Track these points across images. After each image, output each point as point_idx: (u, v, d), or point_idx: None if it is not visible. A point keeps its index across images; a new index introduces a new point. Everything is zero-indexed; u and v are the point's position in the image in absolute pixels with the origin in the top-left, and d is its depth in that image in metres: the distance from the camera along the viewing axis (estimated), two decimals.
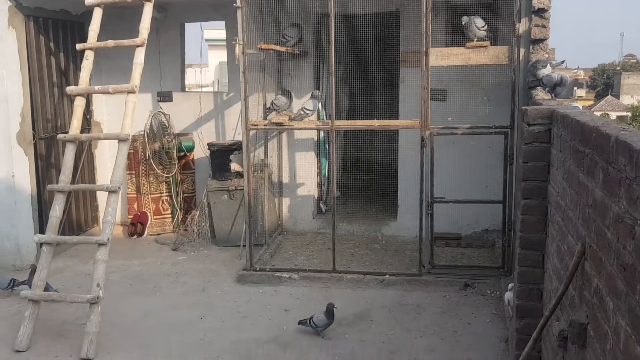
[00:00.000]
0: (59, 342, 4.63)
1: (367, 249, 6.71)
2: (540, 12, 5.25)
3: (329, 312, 4.53)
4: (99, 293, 4.45)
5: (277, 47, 6.34)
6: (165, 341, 4.62)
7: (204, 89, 11.92)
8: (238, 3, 5.58)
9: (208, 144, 7.20)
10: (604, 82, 48.02)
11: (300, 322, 4.68)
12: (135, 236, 7.56)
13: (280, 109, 6.34)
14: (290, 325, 4.90)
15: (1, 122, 6.08)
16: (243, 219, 6.38)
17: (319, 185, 7.65)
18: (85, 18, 6.82)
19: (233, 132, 7.55)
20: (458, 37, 5.81)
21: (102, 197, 7.65)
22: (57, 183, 4.94)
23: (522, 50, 5.35)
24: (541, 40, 5.24)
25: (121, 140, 4.88)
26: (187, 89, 8.60)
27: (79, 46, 5.25)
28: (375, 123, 5.72)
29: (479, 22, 5.45)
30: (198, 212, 7.18)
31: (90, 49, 5.16)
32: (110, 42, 5.21)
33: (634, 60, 58.49)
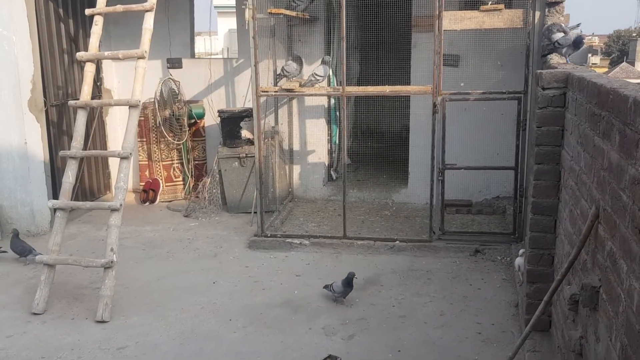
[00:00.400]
0: (75, 305, 4.72)
1: (378, 216, 6.73)
2: None
3: (348, 280, 4.55)
4: (112, 257, 4.51)
5: (287, 12, 6.25)
6: (179, 304, 4.70)
7: (213, 57, 11.83)
8: None
9: (218, 111, 7.18)
10: (619, 49, 47.05)
11: (324, 287, 4.72)
12: (147, 203, 7.62)
13: (291, 75, 6.28)
14: (301, 289, 4.96)
15: (12, 88, 6.08)
16: (254, 185, 6.41)
17: (330, 153, 7.64)
18: None
19: (243, 99, 7.52)
20: (471, 0, 5.70)
21: (114, 164, 7.70)
22: (69, 150, 4.96)
23: (537, 14, 5.24)
24: (557, 3, 5.13)
25: (132, 106, 4.88)
26: (196, 57, 8.54)
27: (87, 11, 5.20)
28: (386, 89, 5.66)
29: None
30: (209, 179, 7.21)
31: (99, 14, 5.12)
32: (119, 7, 5.15)
33: None
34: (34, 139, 6.28)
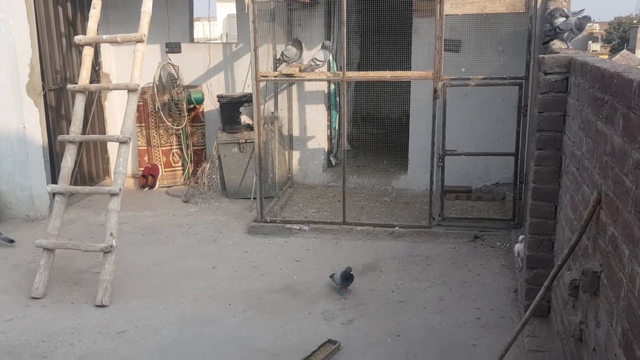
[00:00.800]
0: (74, 289, 4.73)
1: (377, 202, 6.72)
2: None
3: (345, 275, 4.52)
4: (112, 242, 4.51)
5: None
6: (178, 289, 4.70)
7: (212, 42, 11.73)
8: None
9: (217, 96, 7.14)
10: (620, 36, 46.78)
11: (330, 277, 4.68)
12: (146, 188, 7.61)
13: (291, 60, 6.24)
14: (300, 275, 4.96)
15: (10, 72, 6.04)
16: (253, 171, 6.39)
17: (329, 139, 7.62)
18: None
19: (243, 84, 7.48)
20: None
21: (112, 149, 7.68)
22: (67, 134, 4.93)
23: None
24: None
25: (130, 90, 4.85)
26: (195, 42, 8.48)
27: None
28: (387, 74, 5.62)
29: None
30: (208, 164, 7.19)
31: None
32: None
33: None
34: (32, 124, 6.25)
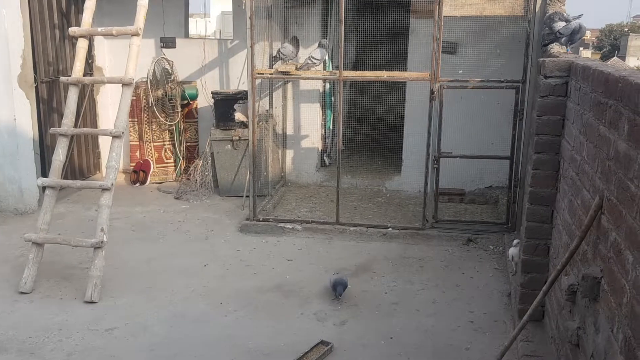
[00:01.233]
0: (63, 285, 4.65)
1: (371, 203, 6.69)
2: None
3: (333, 287, 4.46)
4: (103, 238, 4.44)
5: None
6: (169, 286, 4.64)
7: (207, 38, 11.65)
8: None
9: (212, 93, 7.08)
10: (611, 44, 47.18)
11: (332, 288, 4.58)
12: (137, 184, 7.53)
13: (287, 58, 6.19)
14: (293, 274, 4.92)
15: (2, 63, 5.94)
16: (246, 169, 6.34)
17: (324, 138, 7.58)
18: None
19: (237, 81, 7.42)
20: None
21: (104, 144, 7.60)
22: (59, 127, 4.85)
23: (538, 2, 5.19)
24: None
25: (125, 84, 4.78)
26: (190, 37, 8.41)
27: None
28: (384, 74, 5.59)
29: None
30: (201, 161, 7.13)
31: None
32: None
33: None
34: (23, 116, 6.15)
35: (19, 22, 6.02)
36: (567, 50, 4.75)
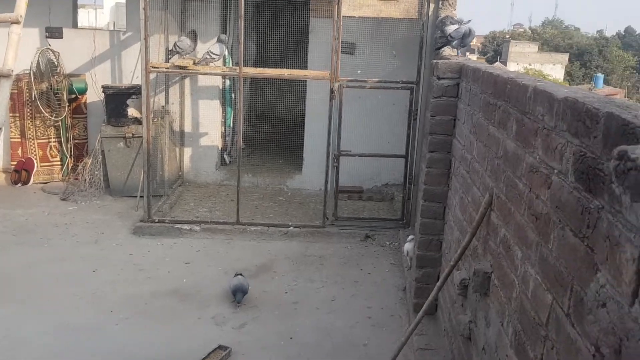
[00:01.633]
0: None
1: (272, 202, 6.63)
2: None
3: (233, 293, 4.34)
4: None
5: None
6: (54, 295, 4.30)
7: (98, 29, 11.01)
8: None
9: (103, 87, 6.69)
10: (494, 49, 50.34)
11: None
12: (19, 184, 6.96)
13: (184, 52, 5.97)
14: (190, 277, 4.74)
15: None
16: (140, 168, 6.06)
17: (224, 136, 7.40)
18: None
19: (131, 75, 7.06)
20: None
21: None
22: None
23: (432, 6, 5.37)
24: None
25: (3, 75, 4.34)
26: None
27: None
28: (285, 72, 5.55)
29: None
30: (91, 159, 6.71)
31: None
32: None
33: (522, 30, 62.00)
34: None
35: None
36: (457, 54, 4.95)
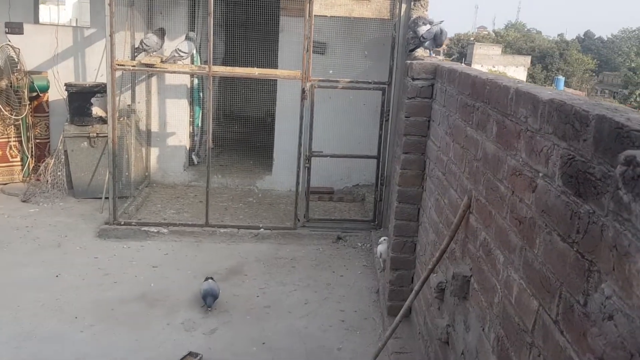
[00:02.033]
0: None
1: (242, 203, 6.52)
2: None
3: (203, 297, 4.22)
4: None
5: None
6: (14, 302, 4.12)
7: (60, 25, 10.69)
8: None
9: (66, 85, 6.46)
10: (459, 51, 51.09)
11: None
12: None
13: (151, 50, 5.81)
14: (158, 282, 4.61)
15: None
16: (105, 168, 5.88)
17: (192, 136, 7.25)
18: None
19: (95, 73, 6.85)
20: None
21: None
22: None
23: (404, 6, 5.35)
24: None
25: None
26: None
27: None
28: (255, 71, 5.45)
29: None
30: (53, 160, 6.48)
31: None
32: None
33: (486, 32, 63.19)
34: None
35: None
36: (430, 54, 4.94)
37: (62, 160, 6.47)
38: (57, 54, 6.91)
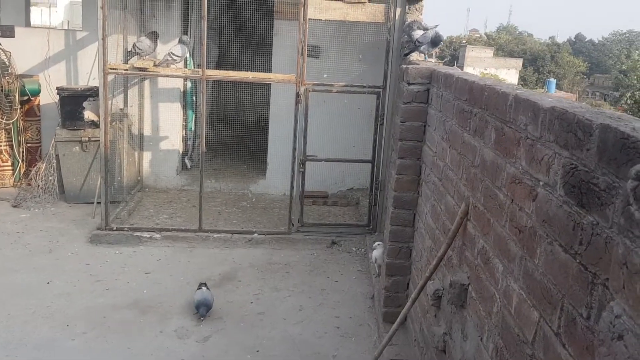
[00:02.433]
0: None
1: (235, 207, 6.47)
2: None
3: (196, 307, 4.17)
4: None
5: None
6: (4, 309, 4.06)
7: (52, 28, 10.63)
8: None
9: (57, 89, 6.40)
10: (451, 54, 51.24)
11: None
12: None
13: (144, 53, 5.76)
14: (151, 288, 4.55)
15: None
16: (97, 173, 5.83)
17: (185, 140, 7.20)
18: None
19: (87, 77, 6.79)
20: None
21: None
22: None
23: (398, 10, 5.33)
24: (417, 1, 5.25)
25: None
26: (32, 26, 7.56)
27: None
28: (249, 75, 5.41)
29: None
30: (44, 164, 6.41)
31: None
32: None
33: (478, 35, 63.48)
34: None
35: None
36: (425, 58, 4.92)
37: (54, 164, 6.40)
38: (48, 57, 6.84)
